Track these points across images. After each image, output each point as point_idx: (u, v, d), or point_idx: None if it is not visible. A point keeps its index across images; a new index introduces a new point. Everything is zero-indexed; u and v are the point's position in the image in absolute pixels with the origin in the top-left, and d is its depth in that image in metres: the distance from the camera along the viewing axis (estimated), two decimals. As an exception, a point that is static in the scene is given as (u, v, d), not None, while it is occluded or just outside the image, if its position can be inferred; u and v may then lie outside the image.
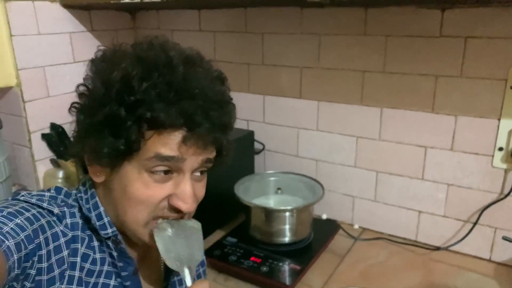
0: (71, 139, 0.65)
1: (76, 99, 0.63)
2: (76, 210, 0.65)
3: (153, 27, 1.66)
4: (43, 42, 1.38)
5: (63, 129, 1.43)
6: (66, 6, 1.43)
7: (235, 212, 1.42)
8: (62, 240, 0.61)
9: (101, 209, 0.65)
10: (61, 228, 0.61)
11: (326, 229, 1.33)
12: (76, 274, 0.62)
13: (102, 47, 0.64)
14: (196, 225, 0.67)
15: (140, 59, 0.59)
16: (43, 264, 0.57)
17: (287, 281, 1.07)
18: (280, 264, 1.13)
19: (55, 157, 1.45)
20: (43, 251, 0.57)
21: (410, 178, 1.27)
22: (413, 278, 1.12)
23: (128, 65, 0.57)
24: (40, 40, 1.37)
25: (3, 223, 0.53)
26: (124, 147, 0.57)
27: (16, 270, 0.52)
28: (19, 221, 0.55)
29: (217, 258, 1.16)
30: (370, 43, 1.23)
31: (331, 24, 1.28)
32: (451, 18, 1.10)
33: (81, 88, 0.63)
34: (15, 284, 0.54)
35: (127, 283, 0.67)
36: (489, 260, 1.19)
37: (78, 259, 0.62)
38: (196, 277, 0.83)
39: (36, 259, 0.56)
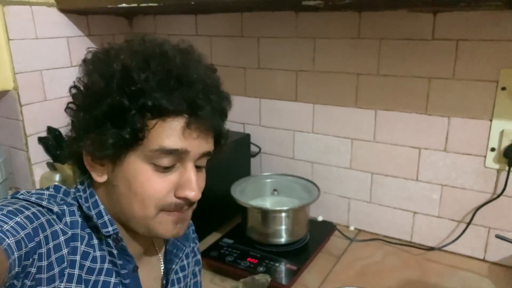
0: (68, 139, 0.65)
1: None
2: (75, 208, 0.66)
3: (150, 31, 1.68)
4: (40, 46, 1.39)
5: (59, 132, 1.44)
6: (63, 10, 1.44)
7: (232, 214, 1.42)
8: (62, 238, 0.61)
9: (101, 207, 0.65)
10: (61, 226, 0.61)
11: (322, 231, 1.34)
12: (75, 272, 0.62)
13: (92, 49, 0.64)
14: (265, 280, 0.70)
15: (136, 52, 0.60)
16: (43, 262, 0.58)
17: (284, 281, 1.07)
18: (277, 264, 1.13)
19: (51, 161, 1.45)
20: (43, 249, 0.57)
21: (404, 179, 1.28)
22: (408, 278, 1.13)
23: (126, 57, 0.58)
24: (38, 44, 1.38)
25: (3, 221, 0.53)
26: (130, 136, 0.58)
27: (16, 268, 0.52)
28: (19, 219, 0.55)
29: (214, 259, 1.17)
30: (364, 46, 1.25)
31: (325, 27, 1.30)
32: (443, 21, 1.13)
33: (74, 90, 0.63)
34: (15, 282, 0.54)
35: (127, 281, 0.68)
36: (483, 260, 1.21)
37: (78, 257, 0.63)
38: (192, 276, 0.84)
39: (36, 257, 0.56)
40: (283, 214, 1.20)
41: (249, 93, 1.51)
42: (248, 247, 1.21)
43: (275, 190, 1.36)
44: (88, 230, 0.65)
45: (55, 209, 0.62)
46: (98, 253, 0.66)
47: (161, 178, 0.61)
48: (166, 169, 0.61)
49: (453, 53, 1.13)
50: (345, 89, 1.31)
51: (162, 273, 0.77)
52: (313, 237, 1.29)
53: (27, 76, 1.36)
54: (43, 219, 0.59)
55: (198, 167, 0.65)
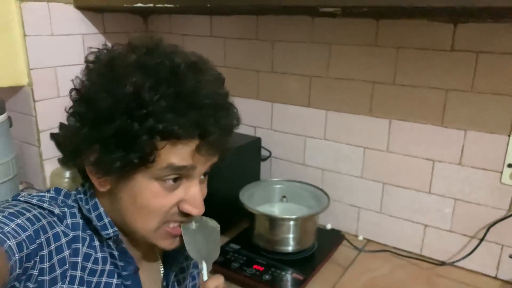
0: (65, 150, 0.63)
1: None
2: (76, 210, 0.66)
3: (165, 31, 1.67)
4: (55, 43, 1.40)
5: (71, 129, 1.44)
6: (79, 7, 1.44)
7: (239, 218, 1.41)
8: (63, 240, 0.61)
9: (101, 209, 0.65)
10: (62, 229, 0.62)
11: (330, 239, 1.32)
12: (77, 274, 0.63)
13: (93, 49, 0.62)
14: (216, 225, 0.71)
15: (146, 69, 0.57)
16: (45, 264, 0.58)
17: (289, 290, 1.06)
18: (283, 273, 1.12)
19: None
20: (45, 251, 0.58)
21: (416, 191, 1.26)
22: (417, 293, 1.11)
23: (137, 78, 0.56)
24: (53, 41, 1.39)
25: (4, 223, 0.54)
26: (138, 160, 0.57)
27: (17, 270, 0.52)
28: (20, 221, 0.55)
29: (219, 264, 1.16)
30: (381, 54, 1.23)
31: (342, 34, 1.28)
32: (463, 32, 1.10)
33: (75, 94, 0.61)
34: (16, 284, 0.54)
35: (128, 283, 0.68)
36: (495, 278, 1.18)
37: (80, 259, 0.63)
38: (191, 278, 0.84)
39: (38, 259, 0.56)
40: (292, 223, 1.19)
41: (261, 96, 1.50)
42: (255, 253, 1.20)
43: (284, 196, 1.35)
44: (89, 232, 0.66)
45: (56, 211, 0.62)
46: (99, 255, 0.66)
47: (167, 193, 0.61)
48: (172, 185, 0.61)
49: (472, 65, 1.10)
50: (359, 96, 1.29)
51: (162, 275, 0.77)
52: (321, 246, 1.27)
53: (41, 72, 1.37)
54: (44, 221, 0.59)
55: (203, 175, 0.65)
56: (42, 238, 0.57)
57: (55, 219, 0.61)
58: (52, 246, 0.59)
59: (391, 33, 1.20)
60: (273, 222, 1.20)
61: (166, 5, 1.19)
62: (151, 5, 1.23)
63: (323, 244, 1.28)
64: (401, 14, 1.16)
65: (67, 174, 1.42)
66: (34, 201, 0.61)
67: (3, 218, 0.54)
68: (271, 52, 1.43)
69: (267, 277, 1.10)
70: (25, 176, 1.48)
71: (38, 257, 0.56)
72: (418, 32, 1.16)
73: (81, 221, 0.65)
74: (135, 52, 0.60)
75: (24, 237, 0.54)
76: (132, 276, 0.68)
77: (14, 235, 0.53)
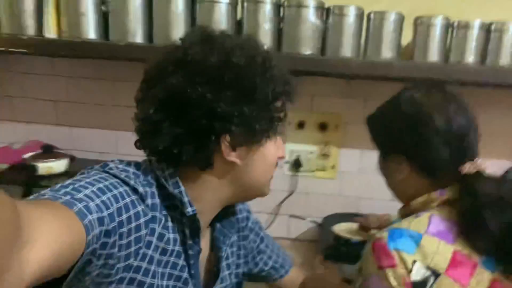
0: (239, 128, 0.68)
1: None
2: (155, 189, 0.69)
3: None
4: None
5: None
6: None
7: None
8: (142, 220, 0.64)
9: (182, 188, 0.69)
10: (143, 207, 0.65)
11: None
12: (149, 253, 0.66)
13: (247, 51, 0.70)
14: None
15: (264, 52, 0.72)
16: (123, 241, 0.60)
17: None
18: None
19: None
20: (125, 229, 0.60)
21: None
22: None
23: (264, 56, 0.71)
24: None
25: (91, 198, 0.56)
26: (285, 112, 0.74)
27: (94, 244, 0.54)
28: (105, 198, 0.58)
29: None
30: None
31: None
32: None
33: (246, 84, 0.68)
34: (93, 259, 0.55)
35: (191, 261, 0.73)
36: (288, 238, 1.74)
37: (154, 239, 0.67)
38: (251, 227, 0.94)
39: (117, 237, 0.59)
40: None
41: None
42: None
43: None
44: (164, 212, 0.69)
45: (140, 189, 0.65)
46: (171, 235, 0.70)
47: (277, 146, 0.77)
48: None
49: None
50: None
51: (214, 260, 0.83)
52: None
53: None
54: (128, 200, 0.62)
55: None
56: (124, 216, 0.60)
57: (138, 197, 0.64)
58: (133, 224, 0.62)
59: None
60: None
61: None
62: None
63: None
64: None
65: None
66: (122, 176, 0.65)
67: (91, 193, 0.57)
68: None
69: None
70: None
71: (117, 234, 0.59)
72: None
73: (158, 201, 0.68)
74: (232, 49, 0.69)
75: (106, 214, 0.57)
76: (195, 256, 0.74)
77: (97, 211, 0.55)
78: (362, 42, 1.44)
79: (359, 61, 1.42)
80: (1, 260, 0.36)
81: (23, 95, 1.74)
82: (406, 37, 1.45)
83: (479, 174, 0.80)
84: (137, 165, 0.72)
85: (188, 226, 0.71)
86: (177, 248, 0.71)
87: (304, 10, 1.37)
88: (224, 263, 0.82)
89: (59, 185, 0.58)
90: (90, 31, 1.40)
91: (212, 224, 0.81)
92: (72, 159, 1.58)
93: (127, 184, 0.64)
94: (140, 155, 0.76)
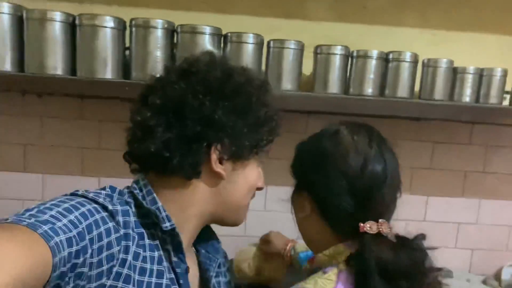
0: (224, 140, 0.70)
1: None
2: (129, 208, 0.68)
3: None
4: None
5: None
6: None
7: None
8: (114, 236, 0.62)
9: (159, 204, 0.69)
10: (114, 224, 0.62)
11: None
12: (124, 272, 0.63)
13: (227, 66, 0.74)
14: None
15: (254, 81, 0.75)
16: (94, 259, 0.58)
17: None
18: None
19: None
20: (95, 246, 0.58)
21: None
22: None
23: (254, 84, 0.74)
24: None
25: (57, 218, 0.54)
26: (272, 138, 0.76)
27: (62, 267, 0.51)
28: (73, 217, 0.56)
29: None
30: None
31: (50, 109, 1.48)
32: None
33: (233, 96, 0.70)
34: (61, 283, 0.53)
35: (181, 281, 0.71)
36: None
37: (130, 257, 0.64)
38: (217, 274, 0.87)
39: (88, 255, 0.56)
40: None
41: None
42: None
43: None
44: (140, 230, 0.68)
45: (110, 207, 0.63)
46: (148, 254, 0.68)
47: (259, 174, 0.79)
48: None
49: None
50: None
51: (197, 278, 0.81)
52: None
53: None
54: (98, 216, 0.60)
55: None
56: (94, 233, 0.58)
57: (108, 214, 0.62)
58: (104, 241, 0.59)
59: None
60: None
61: None
62: None
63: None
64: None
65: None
66: (90, 195, 0.63)
67: (57, 214, 0.55)
68: None
69: None
70: None
71: (88, 253, 0.56)
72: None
73: (133, 219, 0.67)
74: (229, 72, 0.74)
75: (75, 233, 0.54)
76: (184, 275, 0.71)
77: (65, 231, 0.53)
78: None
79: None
80: None
81: None
82: (307, 68, 1.41)
83: (378, 236, 0.72)
84: (112, 188, 0.70)
85: (170, 243, 0.70)
86: (157, 267, 0.68)
87: (200, 37, 1.26)
88: (214, 281, 0.81)
89: (23, 209, 0.55)
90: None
91: (197, 250, 0.82)
92: None
93: (95, 202, 0.63)
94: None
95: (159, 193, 0.71)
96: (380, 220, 0.73)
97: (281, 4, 1.48)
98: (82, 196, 0.63)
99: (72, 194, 0.63)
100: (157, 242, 0.69)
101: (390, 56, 1.37)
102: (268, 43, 1.35)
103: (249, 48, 1.30)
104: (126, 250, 0.64)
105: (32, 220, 0.51)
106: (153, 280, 0.67)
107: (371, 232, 0.72)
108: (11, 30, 1.23)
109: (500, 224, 1.65)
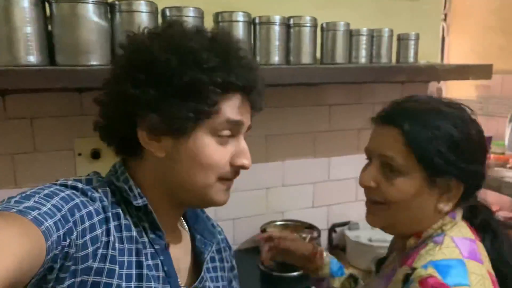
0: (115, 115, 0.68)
1: None
2: (108, 191, 0.68)
3: None
4: None
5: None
6: None
7: None
8: (96, 219, 0.63)
9: (131, 182, 0.69)
10: (95, 207, 0.63)
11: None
12: (108, 253, 0.63)
13: (130, 33, 0.70)
14: None
15: (201, 35, 0.68)
16: (79, 241, 0.59)
17: None
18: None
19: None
20: (79, 228, 0.59)
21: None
22: None
23: (194, 39, 0.66)
24: None
25: (41, 203, 0.55)
26: (208, 109, 0.64)
27: (54, 250, 0.53)
28: (54, 201, 0.57)
29: None
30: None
31: None
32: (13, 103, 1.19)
33: (130, 66, 0.65)
34: (54, 265, 0.55)
35: (161, 257, 0.70)
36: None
37: (111, 239, 0.64)
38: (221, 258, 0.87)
39: (74, 237, 0.57)
40: None
41: None
42: None
43: None
44: (117, 210, 0.67)
45: (89, 192, 0.64)
46: (127, 234, 0.67)
47: (223, 149, 0.68)
48: (226, 140, 0.68)
49: (29, 130, 1.22)
50: None
51: (190, 257, 0.79)
52: None
53: None
54: (77, 200, 0.61)
55: None
56: (77, 215, 0.59)
57: (88, 198, 0.63)
58: (86, 224, 0.60)
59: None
60: None
61: None
62: None
63: None
64: None
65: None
66: (69, 183, 0.64)
67: (40, 199, 0.56)
68: None
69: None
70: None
71: (74, 234, 0.57)
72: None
73: (110, 200, 0.67)
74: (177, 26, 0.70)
75: (60, 217, 0.55)
76: (164, 251, 0.70)
77: (51, 215, 0.54)
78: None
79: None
80: None
81: None
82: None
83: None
84: (95, 173, 0.73)
85: (146, 220, 0.70)
86: (135, 246, 0.68)
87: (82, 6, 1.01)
88: (209, 265, 0.81)
89: (7, 198, 0.57)
90: None
91: (194, 236, 0.81)
92: None
93: (74, 188, 0.64)
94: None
95: (133, 173, 0.71)
96: None
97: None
98: (61, 184, 0.64)
99: (51, 183, 0.64)
100: (135, 219, 0.70)
101: (291, 21, 1.32)
102: (163, 11, 1.16)
103: (142, 16, 1.10)
104: (108, 233, 0.65)
105: (21, 207, 0.53)
106: (133, 258, 0.67)
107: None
108: None
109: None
